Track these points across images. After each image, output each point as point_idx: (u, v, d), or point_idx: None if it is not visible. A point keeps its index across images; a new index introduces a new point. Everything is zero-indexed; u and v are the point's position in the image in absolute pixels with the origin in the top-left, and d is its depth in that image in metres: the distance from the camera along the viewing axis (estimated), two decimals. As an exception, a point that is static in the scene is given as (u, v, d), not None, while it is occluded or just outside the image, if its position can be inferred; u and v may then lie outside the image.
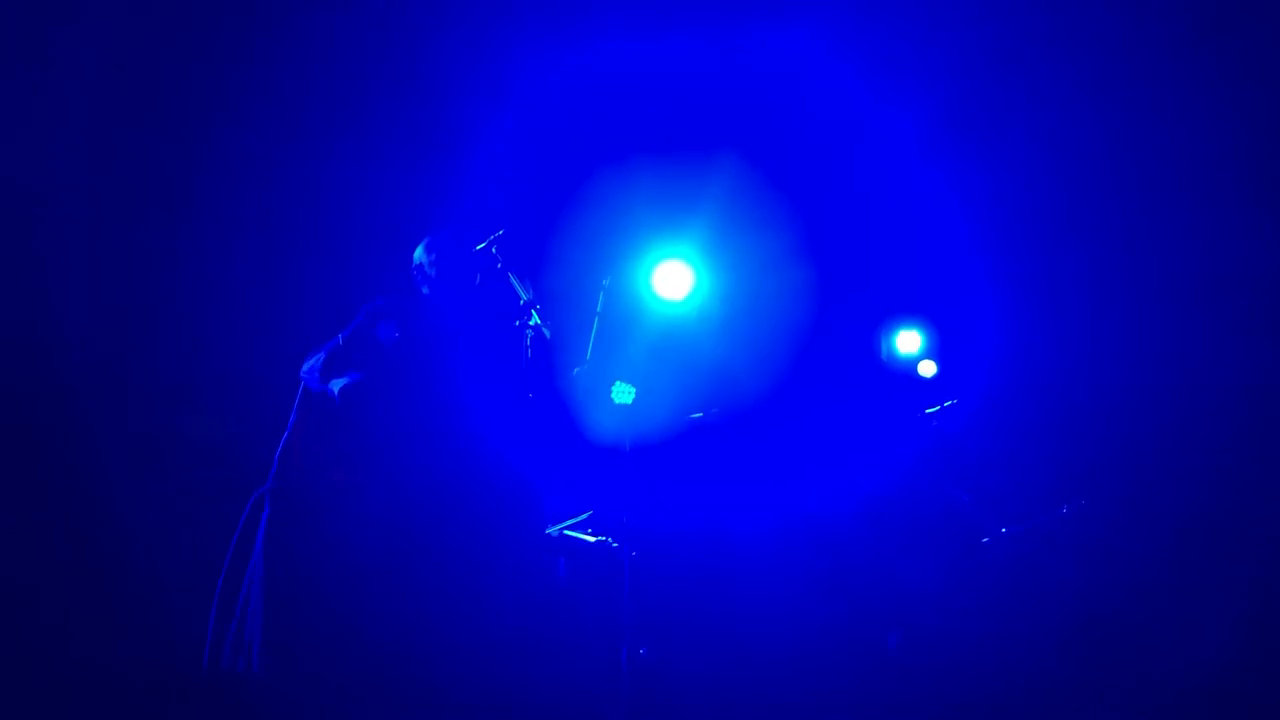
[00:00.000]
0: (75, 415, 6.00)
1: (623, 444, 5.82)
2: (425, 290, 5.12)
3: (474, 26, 6.83)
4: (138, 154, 6.31)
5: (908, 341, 7.93)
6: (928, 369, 7.87)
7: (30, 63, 5.95)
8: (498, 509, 4.74)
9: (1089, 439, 6.80)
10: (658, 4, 6.89)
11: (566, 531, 5.81)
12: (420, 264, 5.13)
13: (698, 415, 6.55)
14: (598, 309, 6.18)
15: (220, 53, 6.43)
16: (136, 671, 5.40)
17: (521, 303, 5.08)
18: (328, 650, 4.33)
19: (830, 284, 7.72)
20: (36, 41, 5.97)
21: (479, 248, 5.10)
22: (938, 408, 6.98)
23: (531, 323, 5.09)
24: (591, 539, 5.80)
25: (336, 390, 4.67)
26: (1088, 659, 5.70)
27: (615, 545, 5.73)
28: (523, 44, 6.92)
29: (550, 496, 5.70)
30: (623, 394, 5.97)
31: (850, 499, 6.75)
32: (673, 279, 7.21)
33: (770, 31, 6.97)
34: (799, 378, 7.52)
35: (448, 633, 4.46)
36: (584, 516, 5.88)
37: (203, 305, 6.37)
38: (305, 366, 4.86)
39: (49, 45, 6.00)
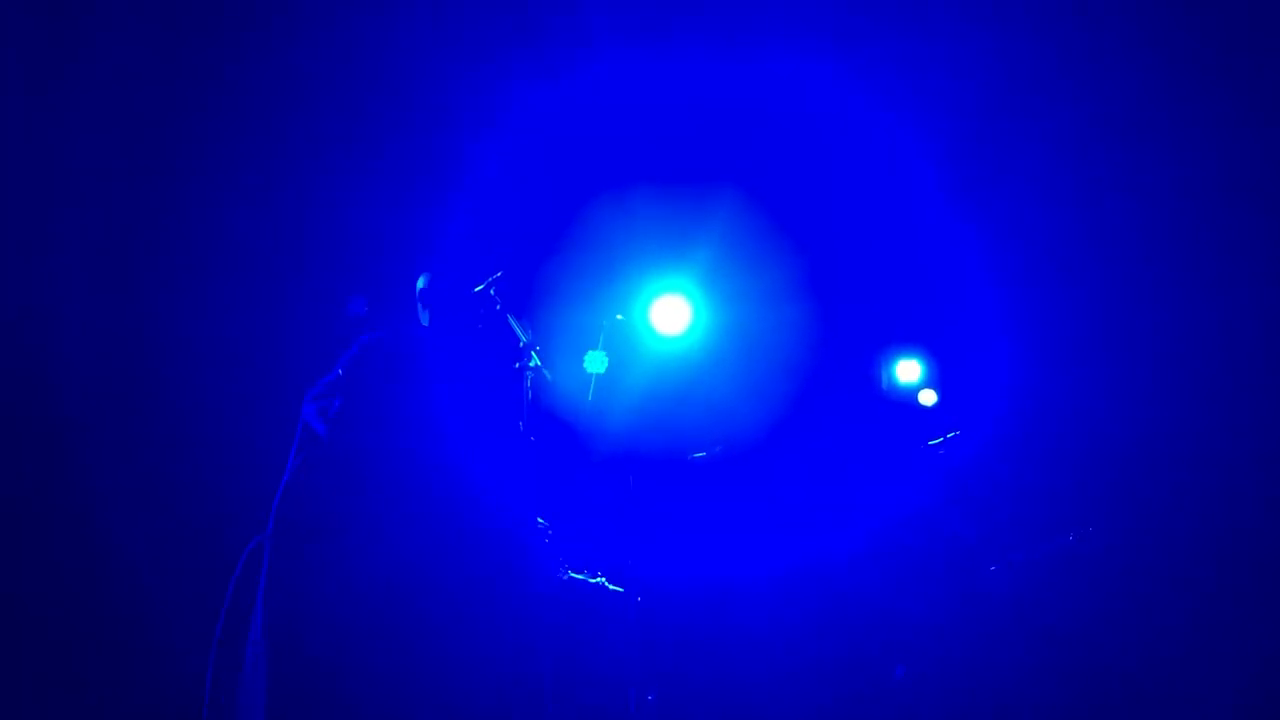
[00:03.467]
0: (68, 450, 5.97)
1: (626, 482, 5.78)
2: (425, 321, 5.03)
3: (472, 56, 6.82)
4: (143, 163, 6.31)
5: (908, 371, 7.90)
6: (928, 398, 7.84)
7: (27, 66, 5.94)
8: (500, 555, 4.66)
9: (1093, 468, 6.76)
10: (657, 37, 6.88)
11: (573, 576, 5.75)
12: (422, 294, 5.03)
13: (700, 455, 6.51)
14: (599, 345, 6.14)
15: (215, 76, 6.42)
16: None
17: (521, 344, 5.03)
18: (333, 706, 4.23)
19: (830, 313, 7.70)
20: (35, 44, 5.96)
21: (477, 289, 5.04)
22: (940, 439, 6.94)
23: (531, 364, 5.04)
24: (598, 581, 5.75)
25: (324, 426, 4.55)
26: (1094, 691, 5.66)
27: (620, 589, 5.67)
28: (521, 75, 6.91)
29: (552, 540, 5.63)
30: (595, 363, 5.88)
31: (853, 530, 6.71)
32: (671, 314, 7.19)
33: (770, 64, 6.96)
34: (799, 408, 7.49)
35: (452, 681, 4.39)
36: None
37: (200, 338, 6.33)
38: (307, 403, 4.72)
39: (48, 48, 5.99)
